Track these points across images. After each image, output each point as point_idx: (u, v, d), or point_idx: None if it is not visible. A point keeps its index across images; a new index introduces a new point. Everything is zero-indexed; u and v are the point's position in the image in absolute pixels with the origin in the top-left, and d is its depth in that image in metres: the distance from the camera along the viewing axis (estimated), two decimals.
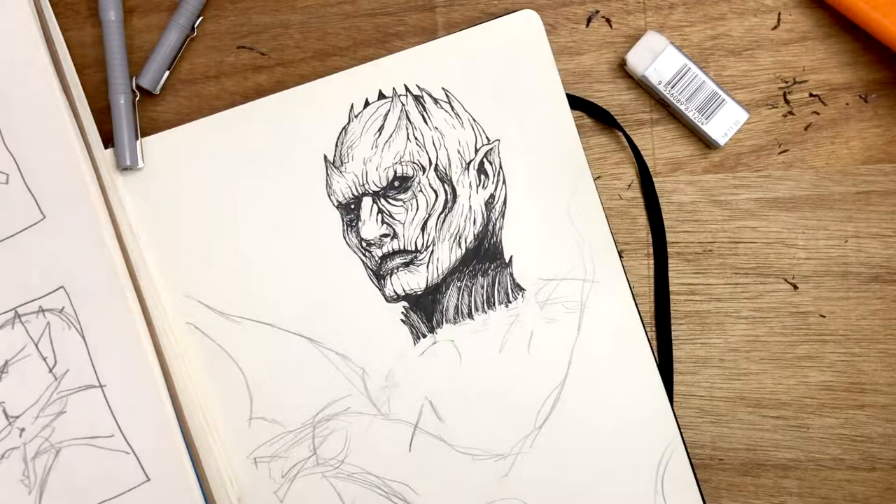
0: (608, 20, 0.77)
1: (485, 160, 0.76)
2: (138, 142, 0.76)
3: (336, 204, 0.76)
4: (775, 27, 0.76)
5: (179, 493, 0.71)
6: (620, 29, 0.77)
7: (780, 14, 0.76)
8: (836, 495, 0.78)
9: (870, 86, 0.76)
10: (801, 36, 0.76)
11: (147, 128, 0.77)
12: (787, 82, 0.76)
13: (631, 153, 0.77)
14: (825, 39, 0.75)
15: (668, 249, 0.77)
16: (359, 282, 0.76)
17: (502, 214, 0.76)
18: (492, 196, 0.76)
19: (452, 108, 0.75)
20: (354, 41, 0.78)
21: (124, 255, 0.71)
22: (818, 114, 0.76)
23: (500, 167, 0.76)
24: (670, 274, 0.77)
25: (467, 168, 0.76)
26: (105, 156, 0.74)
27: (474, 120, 0.76)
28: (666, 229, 0.77)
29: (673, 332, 0.78)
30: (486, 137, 0.76)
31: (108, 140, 0.75)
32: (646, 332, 0.76)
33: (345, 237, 0.76)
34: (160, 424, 0.71)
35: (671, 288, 0.77)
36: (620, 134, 0.76)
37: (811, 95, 0.76)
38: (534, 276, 0.76)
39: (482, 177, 0.76)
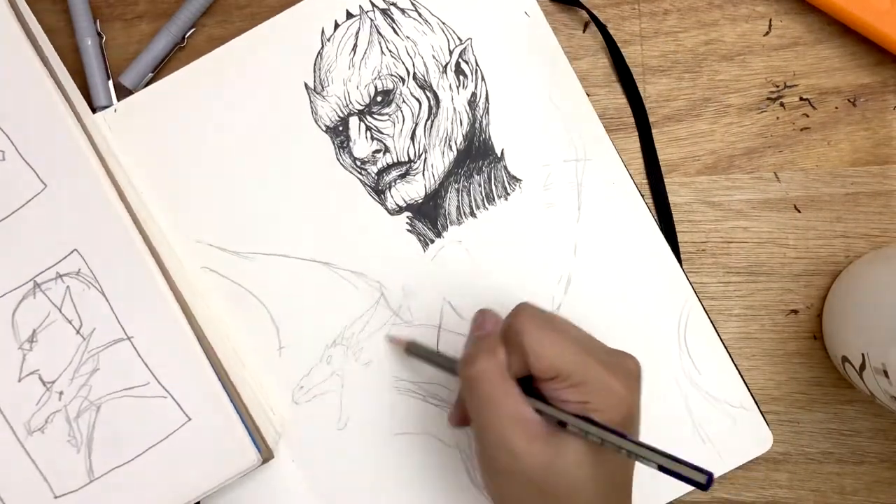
0: (604, 26, 0.80)
1: (460, 60, 0.78)
2: (109, 81, 0.79)
3: (324, 128, 0.78)
4: (767, 33, 0.79)
5: (222, 428, 0.71)
6: (616, 35, 0.80)
7: (771, 20, 0.79)
8: (825, 488, 0.77)
9: (858, 90, 0.78)
10: (792, 42, 0.78)
11: None
12: (778, 86, 0.78)
13: (598, 31, 0.79)
14: (815, 45, 0.78)
15: None
16: (360, 200, 0.77)
17: (487, 111, 0.77)
18: (473, 94, 0.77)
19: (420, 14, 0.77)
20: None
21: (129, 210, 0.73)
22: (808, 117, 0.78)
23: (477, 65, 0.78)
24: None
25: (445, 71, 0.77)
26: (95, 120, 0.77)
27: (444, 23, 0.77)
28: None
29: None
30: (458, 38, 0.78)
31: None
32: (643, 198, 0.77)
33: (339, 159, 0.78)
34: (192, 365, 0.71)
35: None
36: (582, 11, 0.79)
37: (801, 99, 0.78)
38: (527, 164, 0.77)
39: (461, 77, 0.77)
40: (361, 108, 0.76)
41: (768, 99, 0.79)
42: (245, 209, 0.77)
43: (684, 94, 0.79)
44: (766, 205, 0.78)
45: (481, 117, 0.77)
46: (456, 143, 0.76)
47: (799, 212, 0.78)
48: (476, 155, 0.76)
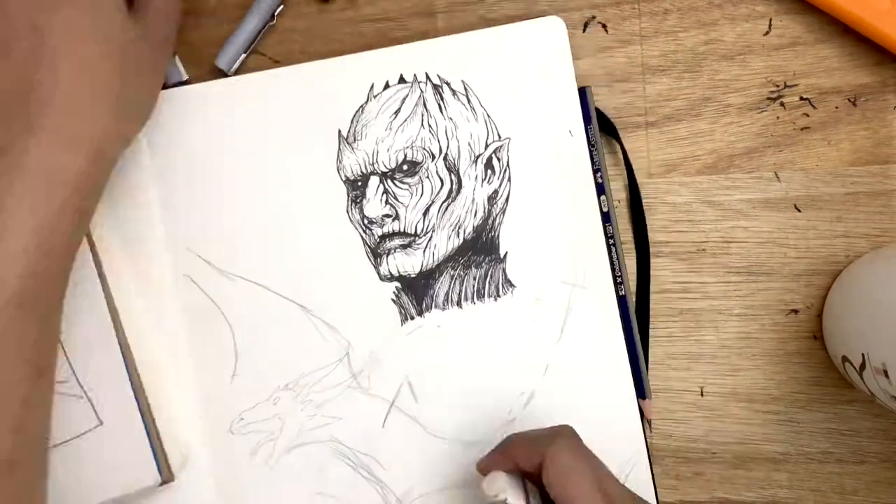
0: (604, 26, 0.79)
1: (493, 156, 0.77)
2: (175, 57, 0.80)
3: (344, 179, 0.78)
4: (767, 33, 0.78)
5: (129, 440, 0.72)
6: (616, 34, 0.79)
7: (771, 20, 0.78)
8: (825, 487, 0.79)
9: (858, 89, 0.77)
10: (792, 41, 0.77)
11: None
12: (778, 86, 0.78)
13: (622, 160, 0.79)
14: (815, 45, 0.77)
15: (663, 249, 0.79)
16: (356, 257, 0.77)
17: (503, 211, 0.77)
18: (495, 191, 0.77)
19: (469, 101, 0.76)
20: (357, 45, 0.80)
21: None
22: (808, 116, 0.78)
23: (508, 165, 0.77)
24: (666, 273, 0.79)
25: (475, 161, 0.77)
26: None
27: (489, 115, 0.77)
28: (661, 229, 0.79)
29: (668, 329, 0.79)
30: (498, 134, 0.77)
31: None
32: (625, 344, 0.77)
33: (348, 212, 0.78)
34: (112, 373, 0.72)
35: (666, 286, 0.79)
36: (615, 141, 0.79)
37: (801, 99, 0.78)
38: (525, 273, 0.77)
39: (489, 172, 0.77)
40: (386, 170, 0.76)
41: (768, 99, 0.78)
42: (242, 231, 0.77)
43: (684, 94, 0.79)
44: (767, 204, 0.78)
45: (496, 215, 0.77)
46: (465, 232, 0.76)
47: (799, 211, 0.78)
48: (480, 249, 0.76)
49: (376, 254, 0.76)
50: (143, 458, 0.71)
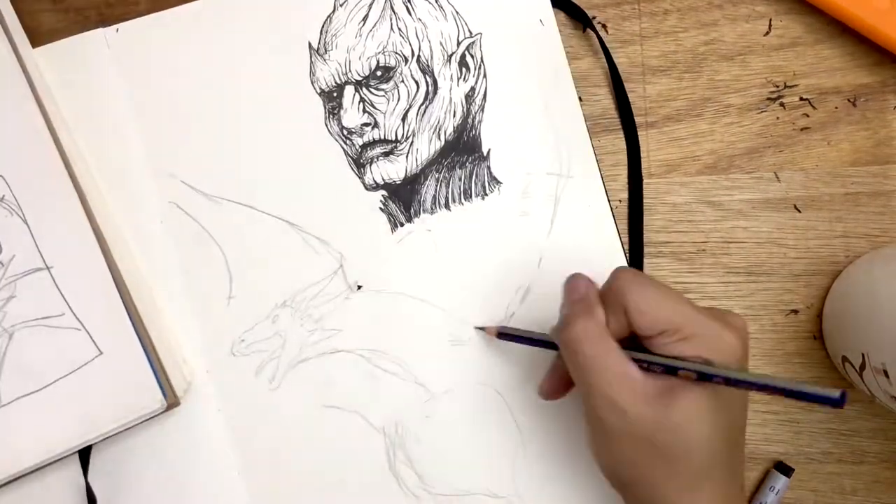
0: (604, 26, 0.80)
1: (466, 53, 0.77)
2: None
3: (319, 91, 0.78)
4: (766, 33, 0.79)
5: (131, 366, 0.71)
6: (616, 34, 0.80)
7: (771, 20, 0.79)
8: (825, 488, 0.76)
9: (858, 90, 0.77)
10: (792, 42, 0.78)
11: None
12: (778, 86, 0.78)
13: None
14: (815, 45, 0.78)
15: (664, 249, 0.78)
16: (339, 169, 0.77)
17: (482, 108, 0.77)
18: (472, 89, 0.77)
19: (437, 0, 0.77)
20: None
21: (58, 146, 0.74)
22: (808, 117, 0.78)
23: (482, 61, 0.77)
24: (666, 273, 0.77)
25: (449, 60, 0.77)
26: (32, 54, 0.78)
27: (457, 13, 0.77)
28: (661, 229, 0.78)
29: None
30: (469, 31, 0.78)
31: (35, 39, 0.79)
32: (616, 227, 0.76)
33: (326, 125, 0.78)
34: (107, 301, 0.72)
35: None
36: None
37: (801, 99, 0.78)
38: (510, 169, 0.77)
39: (463, 70, 0.77)
40: (360, 78, 0.76)
41: (768, 99, 0.78)
42: (223, 153, 0.77)
43: (684, 94, 0.79)
44: (766, 205, 0.77)
45: (475, 113, 0.77)
46: (445, 133, 0.76)
47: (799, 212, 0.77)
48: (462, 149, 0.76)
49: (359, 164, 0.77)
50: (147, 384, 0.71)
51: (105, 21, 0.81)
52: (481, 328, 0.75)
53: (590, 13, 0.80)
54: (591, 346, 0.57)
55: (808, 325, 0.77)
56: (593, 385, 0.57)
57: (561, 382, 0.67)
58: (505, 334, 0.72)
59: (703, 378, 0.55)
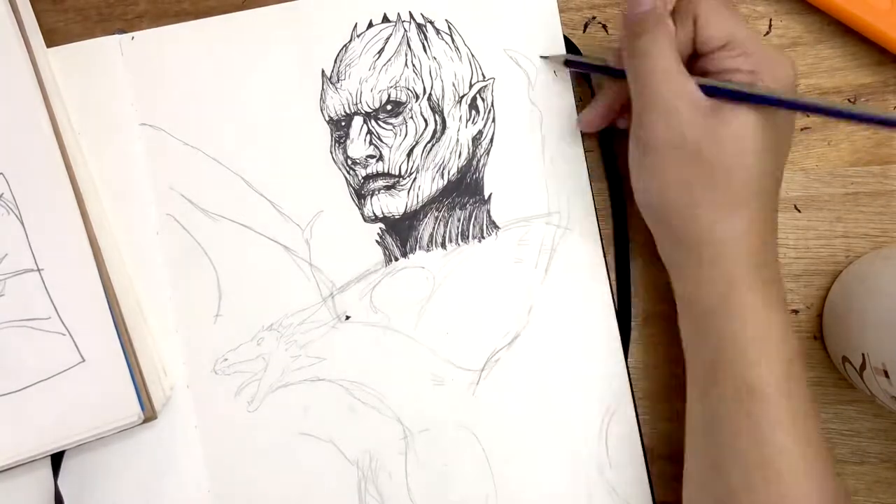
0: (604, 26, 0.80)
1: (478, 96, 0.77)
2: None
3: (327, 119, 0.78)
4: (767, 33, 0.79)
5: (112, 376, 0.71)
6: (616, 34, 0.80)
7: (771, 20, 0.79)
8: None
9: (858, 90, 0.78)
10: (792, 41, 0.78)
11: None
12: None
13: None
14: (815, 45, 0.78)
15: None
16: (340, 198, 0.77)
17: (487, 152, 0.77)
18: (480, 132, 0.77)
19: (453, 40, 0.77)
20: None
21: (62, 149, 0.72)
22: (808, 117, 0.78)
23: (492, 105, 0.78)
24: (666, 273, 0.76)
25: (460, 102, 0.77)
26: (46, 55, 0.78)
27: (473, 55, 0.77)
28: None
29: (668, 331, 0.78)
30: (482, 74, 0.78)
31: (50, 39, 0.79)
32: (610, 284, 0.76)
33: (331, 153, 0.78)
34: (94, 309, 0.71)
35: (667, 288, 0.76)
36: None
37: None
38: (510, 214, 0.77)
39: (473, 112, 0.77)
40: (369, 110, 0.76)
41: None
42: (225, 172, 0.77)
43: None
44: None
45: (481, 156, 0.77)
46: (449, 173, 0.76)
47: (799, 212, 0.77)
48: (464, 190, 0.76)
49: (360, 195, 0.76)
50: (126, 395, 0.71)
51: (105, 20, 0.82)
52: (546, 56, 0.76)
53: (590, 13, 0.80)
54: (661, 56, 0.60)
55: (808, 325, 0.76)
56: (656, 95, 0.60)
57: (603, 113, 0.71)
58: (571, 61, 0.74)
59: (755, 100, 0.59)
